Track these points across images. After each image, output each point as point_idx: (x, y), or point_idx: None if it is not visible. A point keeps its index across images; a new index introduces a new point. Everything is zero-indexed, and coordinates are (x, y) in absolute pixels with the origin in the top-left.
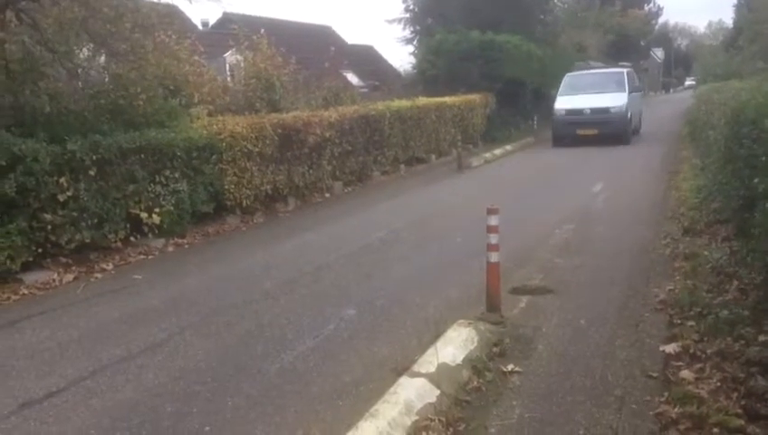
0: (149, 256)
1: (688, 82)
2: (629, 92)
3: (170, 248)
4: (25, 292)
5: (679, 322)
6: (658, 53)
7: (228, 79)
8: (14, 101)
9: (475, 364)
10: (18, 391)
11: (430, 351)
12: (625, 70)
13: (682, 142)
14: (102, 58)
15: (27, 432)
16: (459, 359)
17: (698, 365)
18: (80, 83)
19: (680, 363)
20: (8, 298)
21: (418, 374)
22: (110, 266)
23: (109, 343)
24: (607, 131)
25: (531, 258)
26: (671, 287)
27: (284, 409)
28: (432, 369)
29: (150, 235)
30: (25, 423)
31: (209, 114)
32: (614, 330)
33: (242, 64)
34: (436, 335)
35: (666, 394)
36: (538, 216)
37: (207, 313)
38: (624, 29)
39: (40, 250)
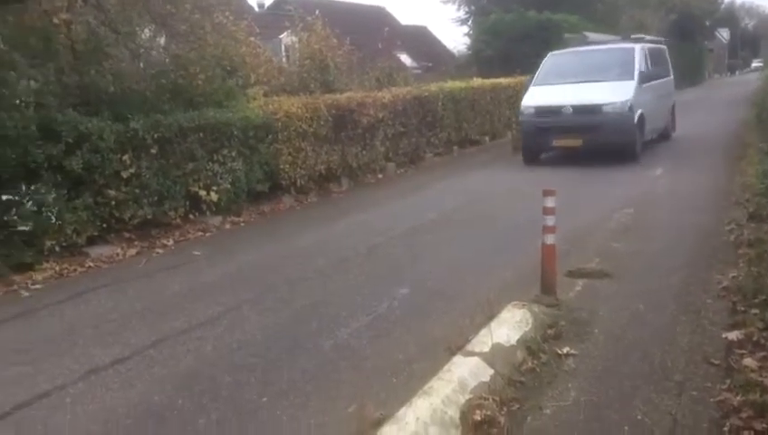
0: (207, 233)
1: (755, 64)
2: (641, 81)
3: (227, 226)
4: (91, 265)
5: (743, 309)
6: (724, 34)
7: (283, 60)
8: (79, 80)
9: (529, 345)
10: (85, 358)
11: (484, 331)
12: (636, 46)
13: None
14: (163, 39)
15: (94, 397)
16: (513, 340)
17: (762, 353)
18: (141, 64)
19: (743, 351)
20: (75, 270)
21: (472, 353)
22: (171, 242)
23: (170, 316)
24: (597, 141)
25: (588, 242)
26: (735, 274)
27: (339, 383)
28: (486, 349)
29: (208, 212)
30: (92, 389)
31: (265, 95)
32: (674, 316)
33: (296, 45)
34: (490, 316)
35: (728, 382)
36: (596, 199)
37: (263, 289)
38: (688, 8)
39: (104, 225)
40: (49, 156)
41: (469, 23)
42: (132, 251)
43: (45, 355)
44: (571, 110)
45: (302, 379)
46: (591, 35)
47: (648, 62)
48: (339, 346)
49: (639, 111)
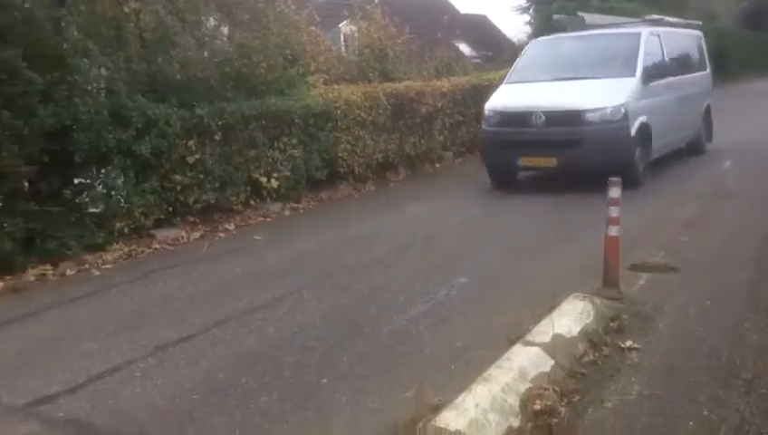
0: (267, 219)
1: None
2: (647, 78)
3: (287, 212)
4: (157, 247)
5: None
6: None
7: (342, 49)
8: (147, 68)
9: (591, 338)
10: (152, 335)
11: (544, 321)
12: (644, 31)
13: None
14: (227, 28)
15: (163, 371)
16: (575, 331)
17: None
18: (206, 52)
19: None
20: (142, 251)
21: (532, 343)
22: (232, 227)
23: (232, 298)
24: (577, 161)
25: (652, 235)
26: None
27: (397, 368)
28: (547, 339)
29: (268, 199)
30: (161, 364)
31: (324, 83)
32: (743, 313)
33: (356, 35)
34: (551, 307)
35: None
36: (661, 189)
37: (322, 274)
38: None
39: (170, 209)
40: (119, 141)
41: (530, 11)
42: (196, 234)
43: (116, 331)
44: (544, 117)
45: (361, 363)
46: (590, 16)
47: (665, 53)
48: (397, 332)
49: (641, 120)
